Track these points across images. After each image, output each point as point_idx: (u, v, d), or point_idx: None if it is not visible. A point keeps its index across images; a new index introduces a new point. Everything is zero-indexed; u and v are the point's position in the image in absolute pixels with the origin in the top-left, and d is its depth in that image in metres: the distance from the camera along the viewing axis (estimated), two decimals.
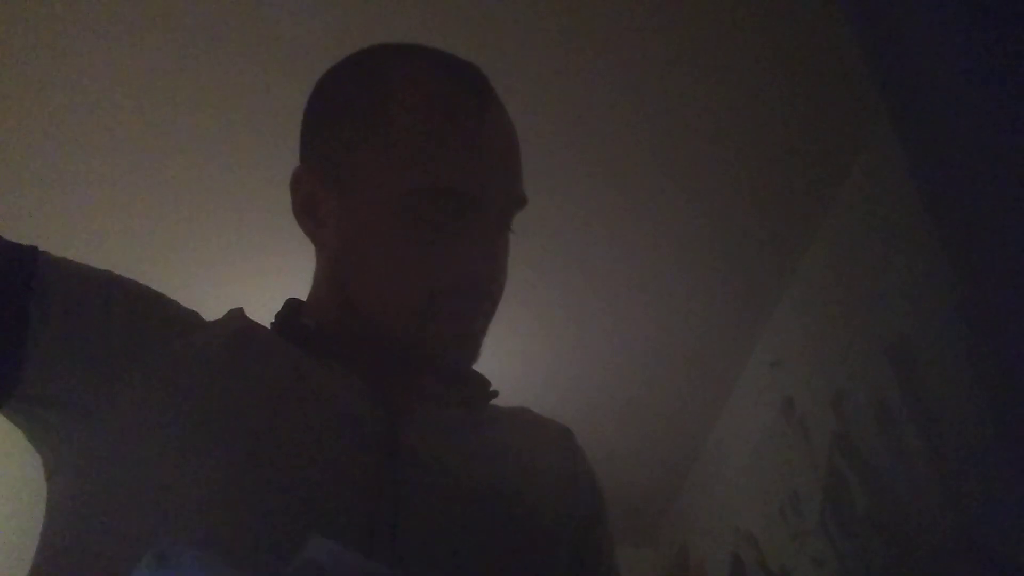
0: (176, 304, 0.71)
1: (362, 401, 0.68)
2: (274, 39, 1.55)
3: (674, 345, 2.45)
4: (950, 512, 1.50)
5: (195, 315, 0.72)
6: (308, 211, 0.75)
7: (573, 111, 1.73)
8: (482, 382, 0.80)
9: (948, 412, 1.50)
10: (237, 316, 0.74)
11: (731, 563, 2.67)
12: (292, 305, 0.80)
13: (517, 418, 0.82)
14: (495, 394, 0.80)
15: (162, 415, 0.62)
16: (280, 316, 0.78)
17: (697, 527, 3.13)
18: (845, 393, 1.89)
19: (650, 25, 1.56)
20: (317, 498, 0.61)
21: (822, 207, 1.94)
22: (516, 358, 2.44)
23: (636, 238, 2.06)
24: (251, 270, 2.10)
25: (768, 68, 1.63)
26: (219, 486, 0.59)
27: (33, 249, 0.65)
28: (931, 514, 1.56)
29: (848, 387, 1.88)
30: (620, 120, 1.75)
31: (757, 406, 2.44)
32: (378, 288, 0.71)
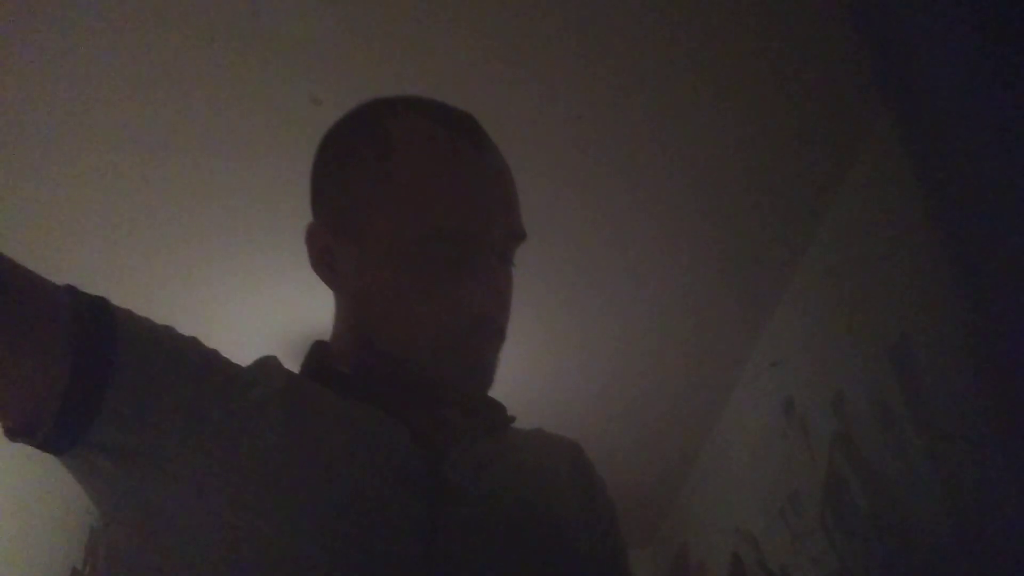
0: (230, 361, 0.73)
1: (405, 442, 0.72)
2: (274, 39, 1.55)
3: (674, 345, 2.45)
4: (950, 512, 1.50)
5: (247, 371, 0.74)
6: (325, 263, 0.79)
7: (575, 112, 1.73)
8: (499, 408, 0.84)
9: (948, 412, 1.50)
10: (275, 367, 0.76)
11: (731, 563, 2.67)
12: (320, 350, 0.83)
13: (534, 439, 0.86)
14: (512, 419, 0.85)
15: (225, 474, 0.64)
16: (312, 361, 0.82)
17: (697, 527, 3.13)
18: (845, 393, 1.89)
19: (651, 25, 1.56)
20: (376, 548, 0.65)
21: (822, 207, 1.94)
22: (516, 358, 2.44)
23: (636, 238, 2.06)
24: (250, 267, 2.10)
25: (768, 68, 1.63)
26: (282, 546, 0.63)
27: (105, 300, 0.67)
28: (931, 514, 1.56)
29: (848, 387, 1.88)
30: (621, 122, 1.75)
31: (757, 406, 2.44)
32: (396, 330, 0.76)
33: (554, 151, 1.81)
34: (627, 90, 1.68)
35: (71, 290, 0.65)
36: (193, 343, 0.71)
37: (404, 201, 0.74)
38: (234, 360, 0.74)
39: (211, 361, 0.71)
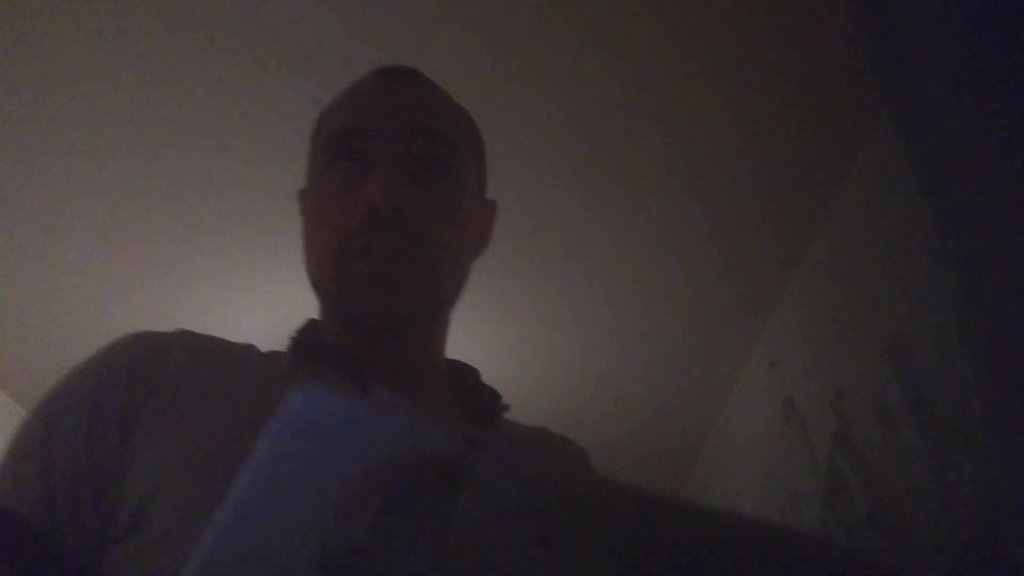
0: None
1: None
2: (274, 39, 1.55)
3: (674, 345, 2.45)
4: (950, 512, 1.50)
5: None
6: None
7: (576, 111, 1.73)
8: (491, 395, 0.79)
9: (948, 412, 1.50)
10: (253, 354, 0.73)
11: None
12: (310, 325, 0.78)
13: (531, 436, 0.80)
14: (506, 407, 0.79)
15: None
16: (300, 339, 0.76)
17: None
18: (845, 393, 1.89)
19: (651, 24, 1.56)
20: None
21: (822, 207, 1.94)
22: (516, 358, 2.44)
23: (636, 238, 2.06)
24: (250, 266, 2.10)
25: (768, 68, 1.63)
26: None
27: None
28: (931, 514, 1.56)
29: (848, 387, 1.87)
30: (621, 120, 1.75)
31: (757, 406, 2.44)
32: (313, 257, 0.73)
33: (554, 151, 1.81)
34: (627, 91, 1.68)
35: None
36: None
37: (316, 131, 0.77)
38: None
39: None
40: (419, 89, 0.78)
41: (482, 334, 2.31)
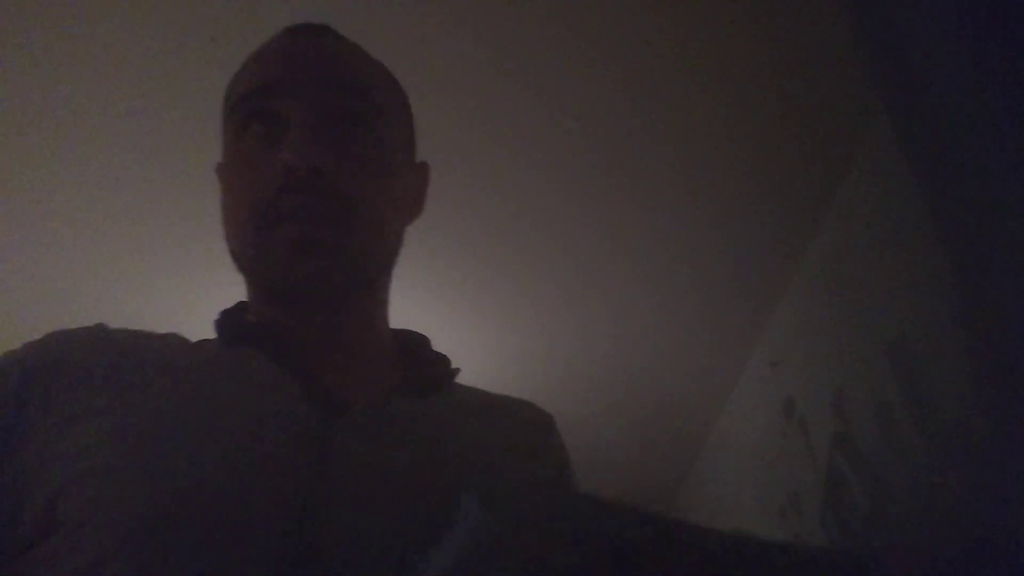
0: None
1: (293, 403, 0.62)
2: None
3: (674, 344, 2.45)
4: (950, 512, 1.50)
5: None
6: None
7: (577, 110, 1.73)
8: (439, 361, 0.74)
9: (948, 412, 1.50)
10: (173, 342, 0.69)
11: None
12: (236, 307, 0.74)
13: (488, 405, 0.74)
14: (455, 371, 0.74)
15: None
16: (224, 320, 0.72)
17: None
18: (845, 393, 1.89)
19: (650, 25, 1.56)
20: (245, 525, 0.55)
21: (822, 207, 1.94)
22: (515, 357, 2.44)
23: (636, 238, 2.06)
24: None
25: (768, 68, 1.63)
26: (142, 515, 0.54)
27: None
28: (931, 513, 1.56)
29: (848, 387, 1.88)
30: (621, 122, 1.75)
31: (757, 406, 2.44)
32: (231, 230, 0.69)
33: (555, 151, 1.81)
34: (627, 91, 1.68)
35: None
36: None
37: (225, 99, 0.73)
38: None
39: None
40: (332, 45, 0.73)
41: (482, 334, 2.31)
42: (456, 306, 2.24)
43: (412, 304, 2.20)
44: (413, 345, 0.77)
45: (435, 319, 2.23)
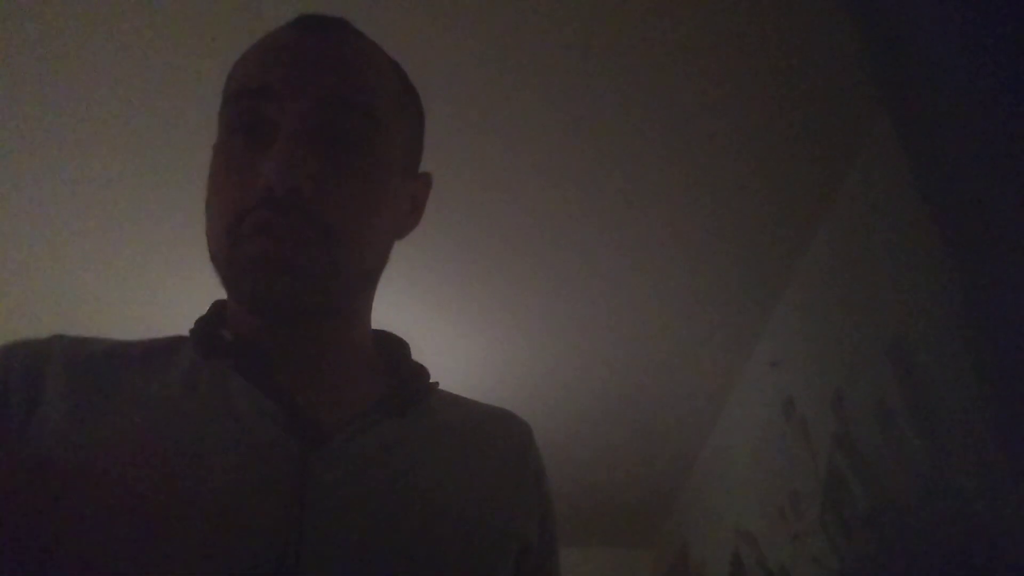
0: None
1: (272, 433, 0.61)
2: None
3: (674, 345, 2.45)
4: (950, 512, 1.50)
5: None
6: None
7: (577, 107, 1.73)
8: (417, 375, 0.73)
9: (948, 412, 1.50)
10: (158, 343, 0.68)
11: (731, 563, 2.67)
12: (213, 310, 0.72)
13: (467, 417, 0.74)
14: (433, 385, 0.73)
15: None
16: (198, 329, 0.69)
17: (697, 527, 3.13)
18: (845, 393, 1.89)
19: (652, 21, 1.56)
20: (223, 550, 0.55)
21: (822, 206, 1.94)
22: (515, 358, 2.44)
23: (635, 237, 2.06)
24: None
25: (768, 67, 1.63)
26: (120, 555, 0.53)
27: None
28: (931, 514, 1.56)
29: (848, 387, 1.88)
30: (620, 119, 1.75)
31: (757, 406, 2.44)
32: (210, 228, 0.67)
33: (555, 151, 1.81)
34: (627, 91, 1.68)
35: None
36: None
37: (228, 79, 0.71)
38: None
39: None
40: (338, 47, 0.69)
41: (482, 335, 2.31)
42: (456, 306, 2.24)
43: (408, 306, 2.20)
44: (393, 351, 0.76)
45: (435, 319, 2.23)
